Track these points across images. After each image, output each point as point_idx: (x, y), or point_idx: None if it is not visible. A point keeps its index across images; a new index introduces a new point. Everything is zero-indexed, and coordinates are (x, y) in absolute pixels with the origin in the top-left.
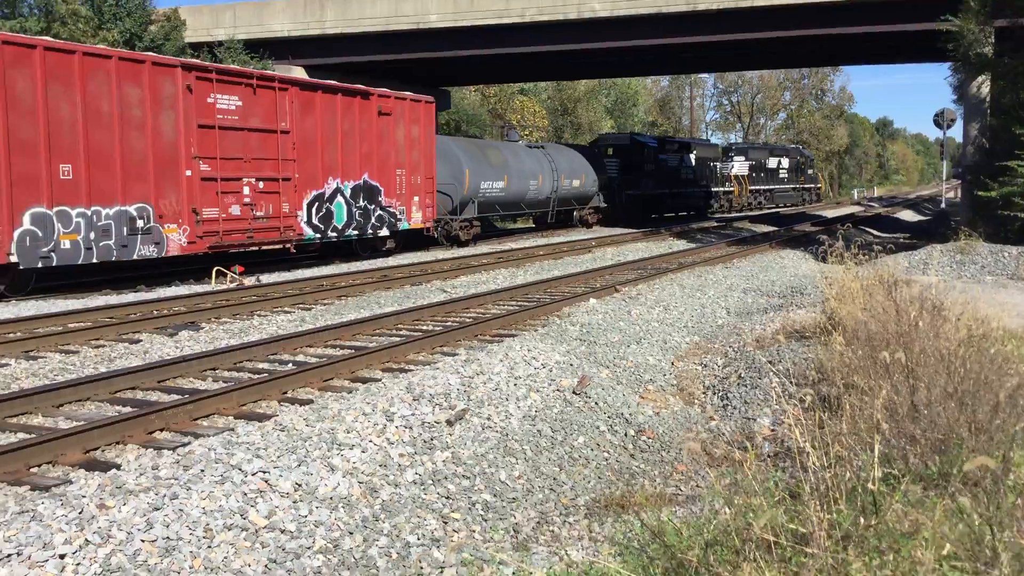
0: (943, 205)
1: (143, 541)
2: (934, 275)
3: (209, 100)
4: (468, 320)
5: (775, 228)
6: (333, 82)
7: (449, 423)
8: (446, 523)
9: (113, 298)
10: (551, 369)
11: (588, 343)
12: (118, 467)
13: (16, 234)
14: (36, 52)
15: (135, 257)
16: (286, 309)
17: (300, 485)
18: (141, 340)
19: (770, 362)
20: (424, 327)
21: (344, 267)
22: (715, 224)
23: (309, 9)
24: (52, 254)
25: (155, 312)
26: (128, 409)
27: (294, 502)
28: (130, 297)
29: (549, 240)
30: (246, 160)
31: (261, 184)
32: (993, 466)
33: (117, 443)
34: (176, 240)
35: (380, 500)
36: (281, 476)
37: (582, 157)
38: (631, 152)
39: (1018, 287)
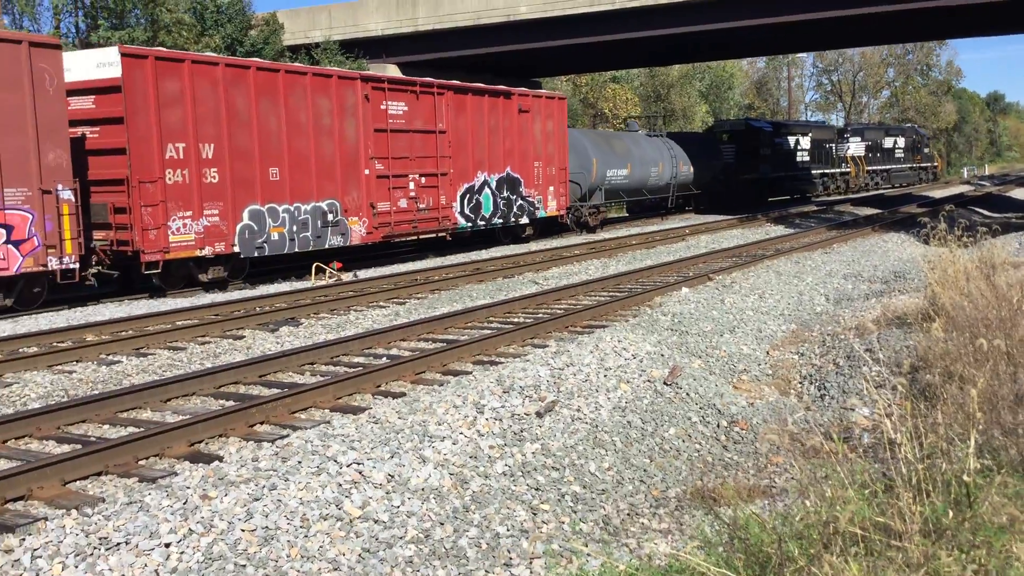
0: None
1: (243, 531)
2: None
3: (382, 107)
4: (559, 311)
5: (878, 211)
6: (480, 84)
7: (539, 415)
8: (535, 514)
9: (219, 296)
10: (642, 360)
11: (680, 333)
12: (220, 459)
13: (238, 228)
14: (250, 72)
15: (326, 247)
16: (381, 304)
17: (392, 476)
18: (244, 336)
19: (868, 350)
20: (515, 319)
21: (439, 260)
22: (815, 208)
23: (401, 7)
24: (264, 244)
25: (257, 309)
26: (231, 403)
27: (387, 493)
28: (234, 295)
29: (663, 226)
30: (411, 158)
31: (423, 179)
32: None
33: (220, 436)
34: (358, 231)
35: (470, 491)
36: (374, 467)
37: (699, 144)
38: (747, 137)
39: None
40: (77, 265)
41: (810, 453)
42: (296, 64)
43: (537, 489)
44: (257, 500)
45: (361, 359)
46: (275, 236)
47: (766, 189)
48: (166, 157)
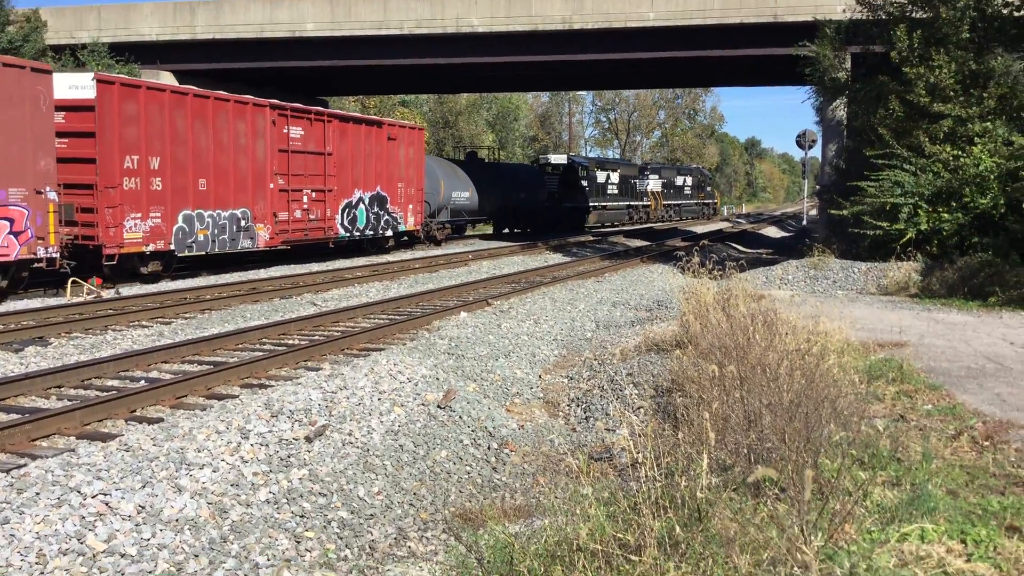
0: (804, 222)
1: None
2: (788, 290)
3: (284, 131)
4: (336, 334)
5: (647, 243)
6: (358, 114)
7: (308, 439)
8: (299, 542)
9: None
10: (417, 383)
11: (456, 357)
12: None
13: (174, 229)
14: (188, 98)
15: (239, 249)
16: (144, 323)
17: (144, 507)
18: None
19: (629, 375)
20: (289, 341)
21: (213, 279)
22: (591, 238)
23: (179, 13)
24: (193, 244)
25: (0, 327)
26: None
27: (136, 525)
28: None
29: (437, 252)
30: (305, 176)
31: (314, 194)
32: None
33: None
34: (263, 236)
35: (230, 521)
36: (123, 498)
37: (528, 173)
38: (568, 171)
39: (865, 301)
40: (57, 255)
41: (566, 473)
42: (222, 92)
43: (302, 516)
44: None
45: (116, 382)
46: (201, 237)
47: (585, 215)
48: (124, 167)
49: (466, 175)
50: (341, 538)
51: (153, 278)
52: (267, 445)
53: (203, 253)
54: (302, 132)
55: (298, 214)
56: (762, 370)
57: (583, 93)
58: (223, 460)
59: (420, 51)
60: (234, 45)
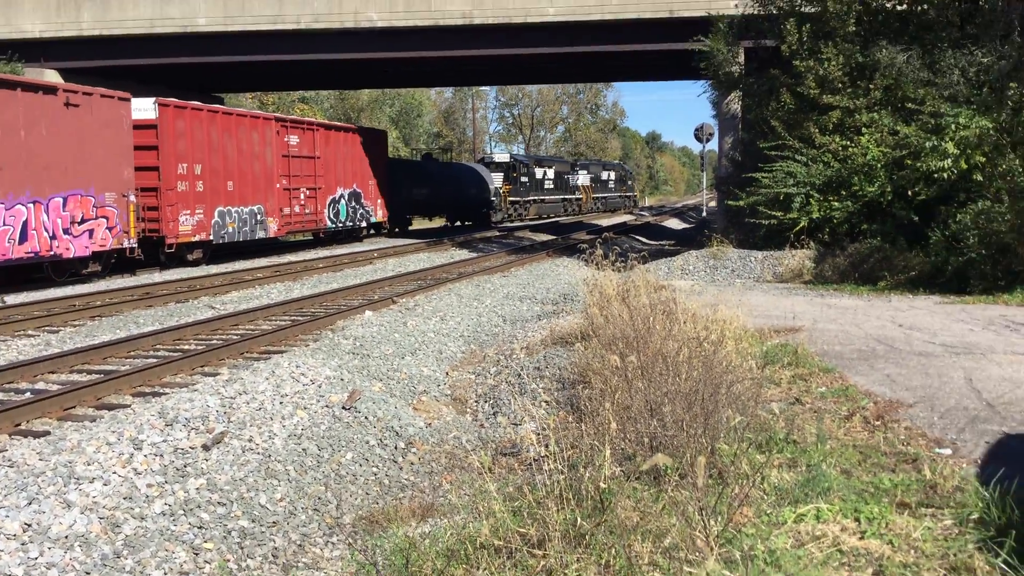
0: (704, 214)
1: None
2: (689, 280)
3: (285, 139)
4: (234, 338)
5: (553, 237)
6: (338, 123)
7: (205, 448)
8: (197, 554)
9: None
10: (320, 385)
11: (361, 356)
12: None
13: (212, 222)
14: (218, 115)
15: (257, 237)
16: (30, 332)
17: (30, 525)
18: None
19: (536, 368)
20: (185, 346)
21: (114, 283)
22: (498, 234)
23: (63, 9)
24: (224, 235)
25: None
26: None
27: (23, 544)
28: None
29: (336, 251)
30: (301, 176)
31: (308, 192)
32: (670, 464)
33: None
34: (272, 227)
35: (123, 535)
36: (7, 516)
37: (476, 171)
38: (511, 168)
39: (762, 289)
40: (136, 245)
41: (472, 470)
42: (241, 109)
43: (200, 527)
44: None
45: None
46: (230, 229)
47: (526, 208)
48: (177, 172)
49: (425, 173)
50: (242, 548)
51: (195, 264)
52: (162, 455)
53: (232, 241)
54: (298, 139)
55: (297, 209)
56: (662, 359)
57: (486, 89)
58: (115, 473)
59: (318, 46)
60: (122, 41)
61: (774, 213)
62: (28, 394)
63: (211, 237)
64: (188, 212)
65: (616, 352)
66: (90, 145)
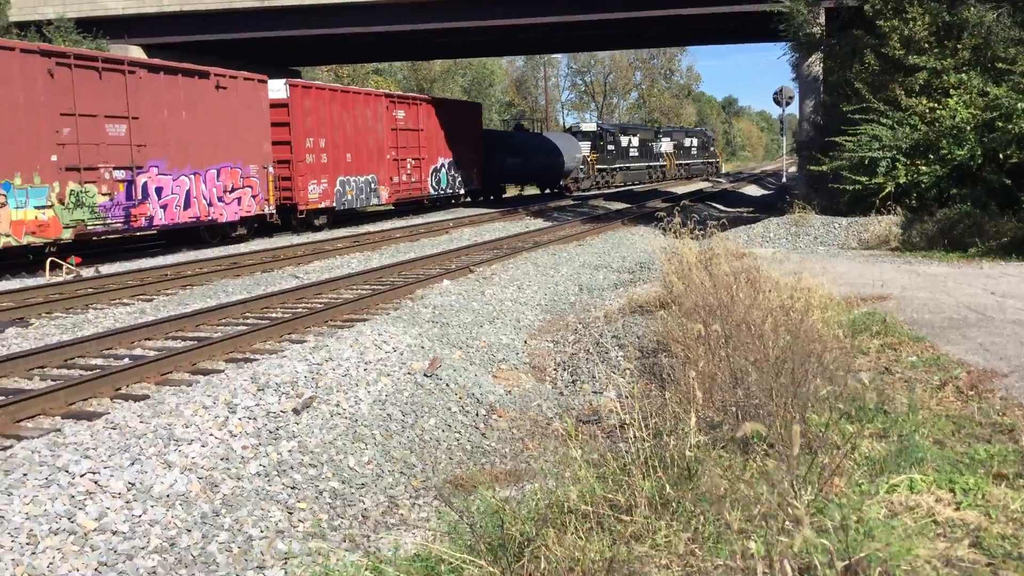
0: (784, 180)
1: None
2: (770, 247)
3: (394, 114)
4: (319, 306)
5: (628, 205)
6: (441, 96)
7: (296, 412)
8: (291, 513)
9: None
10: (402, 352)
11: (441, 325)
12: None
13: (334, 191)
14: (337, 93)
15: (370, 204)
16: (125, 301)
17: (133, 484)
18: None
19: (615, 337)
20: (272, 315)
21: (201, 253)
22: (572, 202)
23: None
24: (345, 202)
25: None
26: None
27: (127, 502)
28: None
29: (421, 220)
30: (407, 148)
31: (413, 162)
32: (762, 432)
33: None
34: (384, 195)
35: (221, 495)
36: (112, 476)
37: (565, 140)
38: (596, 136)
39: (847, 256)
40: (275, 211)
41: (555, 437)
42: (356, 87)
43: (293, 488)
44: None
45: (100, 361)
46: (349, 196)
47: (613, 175)
48: (306, 146)
49: (516, 143)
50: (333, 508)
51: (320, 229)
52: (255, 419)
53: (352, 208)
54: (404, 114)
55: (404, 178)
56: (747, 327)
57: (558, 56)
58: (211, 435)
59: (392, 18)
60: (203, 16)
61: (859, 178)
62: (127, 360)
63: (334, 204)
64: (315, 182)
65: (699, 320)
66: (236, 123)
